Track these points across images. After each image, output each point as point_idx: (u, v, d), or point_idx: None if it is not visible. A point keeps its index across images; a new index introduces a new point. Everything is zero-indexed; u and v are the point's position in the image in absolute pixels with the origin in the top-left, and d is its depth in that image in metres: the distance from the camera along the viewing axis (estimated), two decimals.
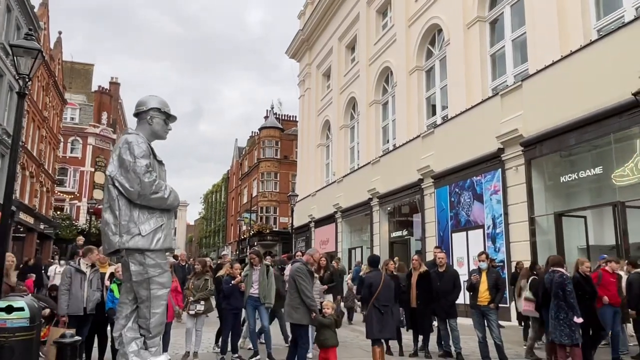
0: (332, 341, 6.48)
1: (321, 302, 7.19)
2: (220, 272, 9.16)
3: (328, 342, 6.42)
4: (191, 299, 8.19)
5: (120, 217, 3.81)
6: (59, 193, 40.76)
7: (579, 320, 6.90)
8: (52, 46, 34.40)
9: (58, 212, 40.00)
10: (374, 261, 7.86)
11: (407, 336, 9.12)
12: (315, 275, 7.85)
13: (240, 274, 8.43)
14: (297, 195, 28.36)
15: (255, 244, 37.78)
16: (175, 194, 4.00)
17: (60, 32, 36.38)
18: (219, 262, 14.10)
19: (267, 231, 41.19)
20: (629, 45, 10.40)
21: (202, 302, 8.14)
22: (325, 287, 9.85)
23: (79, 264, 7.02)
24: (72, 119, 45.43)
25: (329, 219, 26.39)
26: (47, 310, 6.59)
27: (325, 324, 6.44)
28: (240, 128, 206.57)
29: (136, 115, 4.23)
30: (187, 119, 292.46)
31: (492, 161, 14.30)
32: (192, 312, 8.11)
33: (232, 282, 8.14)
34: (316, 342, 6.66)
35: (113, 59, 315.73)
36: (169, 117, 4.29)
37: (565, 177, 12.49)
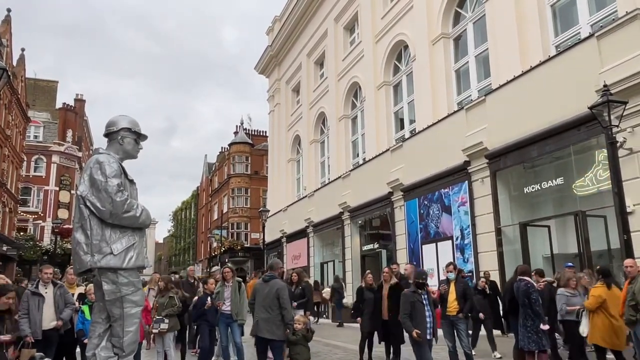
0: (304, 356, 6.57)
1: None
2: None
3: (300, 357, 6.51)
4: (156, 317, 8.00)
5: (92, 237, 3.82)
6: (22, 213, 39.61)
7: (545, 327, 7.12)
8: (14, 63, 33.72)
9: (21, 233, 38.88)
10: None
11: (379, 348, 9.21)
12: None
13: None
14: (268, 211, 28.29)
15: (227, 260, 37.40)
16: (147, 212, 4.03)
17: (23, 49, 35.67)
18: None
19: (239, 247, 40.85)
20: (586, 60, 10.86)
21: (167, 321, 7.92)
22: (295, 304, 9.90)
23: (36, 286, 6.82)
24: (36, 137, 44.40)
25: (300, 234, 26.39)
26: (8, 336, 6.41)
27: (293, 342, 6.52)
28: (213, 144, 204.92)
29: (107, 135, 4.25)
30: (160, 136, 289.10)
31: (459, 174, 14.62)
32: (155, 331, 7.91)
33: (206, 305, 8.04)
34: (289, 356, 6.70)
35: (85, 76, 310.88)
36: (139, 137, 4.33)
37: (529, 188, 12.85)
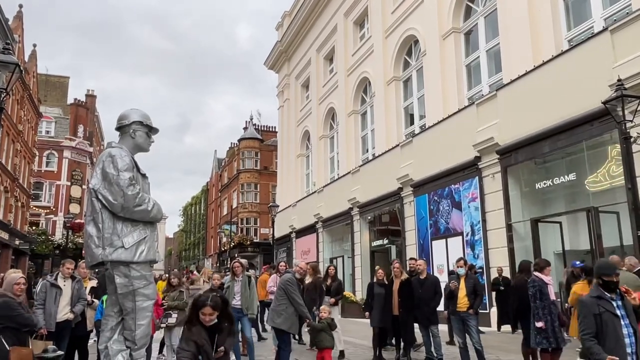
0: (327, 343, 6.89)
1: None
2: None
3: (323, 343, 6.87)
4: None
5: (104, 230, 3.83)
6: (34, 208, 40.02)
7: (539, 324, 6.95)
8: (26, 59, 33.97)
9: (33, 227, 39.26)
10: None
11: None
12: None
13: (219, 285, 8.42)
14: (277, 206, 28.34)
15: (236, 255, 37.52)
16: (158, 206, 4.03)
17: (34, 45, 35.95)
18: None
19: (248, 242, 41.00)
20: (599, 54, 10.73)
21: (174, 315, 7.90)
22: (333, 300, 9.76)
23: (56, 279, 6.90)
24: (48, 132, 44.76)
25: (309, 229, 26.41)
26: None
27: (318, 329, 6.90)
28: (226, 140, 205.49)
29: (118, 129, 4.26)
30: (174, 132, 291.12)
31: (470, 169, 14.53)
32: (163, 325, 7.94)
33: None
34: (312, 343, 7.12)
35: (100, 73, 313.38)
36: (151, 130, 4.34)
37: (540, 184, 12.75)
